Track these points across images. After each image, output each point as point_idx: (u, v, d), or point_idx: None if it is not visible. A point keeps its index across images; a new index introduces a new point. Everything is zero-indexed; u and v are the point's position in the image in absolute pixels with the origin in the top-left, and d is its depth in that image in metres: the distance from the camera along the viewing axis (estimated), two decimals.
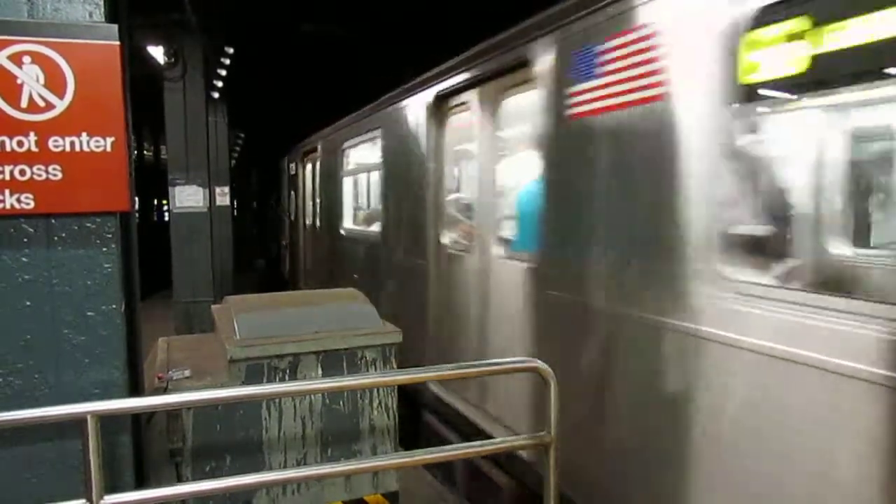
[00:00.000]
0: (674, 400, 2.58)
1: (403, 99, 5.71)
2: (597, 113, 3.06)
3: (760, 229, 2.64)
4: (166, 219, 11.18)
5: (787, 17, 2.33)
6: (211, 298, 9.04)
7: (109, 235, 2.30)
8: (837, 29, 2.26)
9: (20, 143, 2.15)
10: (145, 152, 22.80)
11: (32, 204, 2.18)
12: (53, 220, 2.24)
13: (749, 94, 2.42)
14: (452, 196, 5.10)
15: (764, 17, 2.25)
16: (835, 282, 2.77)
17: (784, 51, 2.34)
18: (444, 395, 4.83)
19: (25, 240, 2.21)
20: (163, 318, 9.84)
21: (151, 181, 19.16)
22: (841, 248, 3.07)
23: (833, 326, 2.00)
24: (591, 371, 3.09)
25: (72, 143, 2.20)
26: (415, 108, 5.39)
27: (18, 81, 2.14)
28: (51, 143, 2.18)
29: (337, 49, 11.88)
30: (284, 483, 3.13)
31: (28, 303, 2.22)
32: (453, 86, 4.68)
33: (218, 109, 11.97)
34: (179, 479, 2.97)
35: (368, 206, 7.98)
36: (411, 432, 5.03)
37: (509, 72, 3.99)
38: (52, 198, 2.20)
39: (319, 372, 3.22)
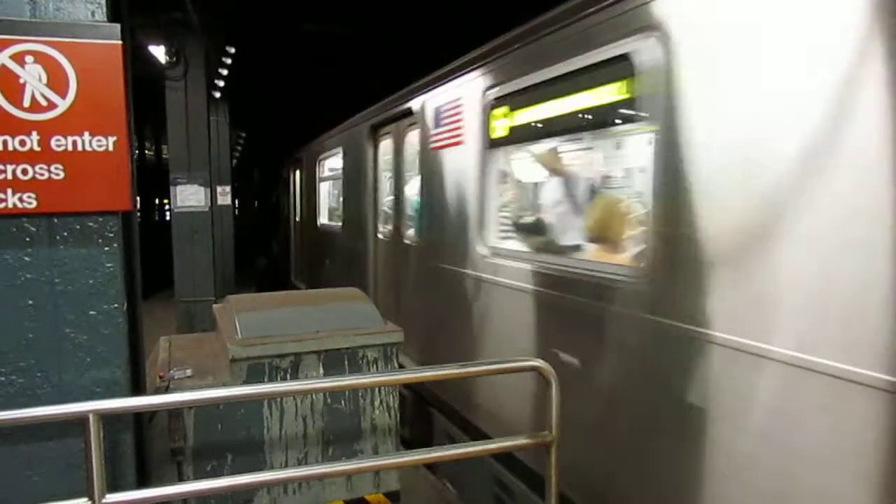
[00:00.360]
0: (468, 311, 4.46)
1: (356, 125, 7.61)
2: (441, 147, 4.91)
3: (502, 217, 4.34)
4: (168, 218, 11.21)
5: (501, 106, 4.03)
6: (212, 298, 9.05)
7: (111, 235, 2.30)
8: (516, 114, 3.92)
9: (22, 143, 2.15)
10: (147, 152, 22.82)
11: (35, 203, 2.18)
12: (56, 220, 2.24)
13: (493, 144, 4.16)
14: (385, 198, 6.80)
15: (494, 105, 4.09)
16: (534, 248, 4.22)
17: (501, 123, 4.06)
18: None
19: (28, 239, 2.22)
20: (164, 317, 9.85)
21: (153, 180, 19.18)
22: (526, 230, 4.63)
23: (523, 266, 3.76)
24: (439, 301, 5.07)
25: (74, 143, 2.21)
26: (361, 132, 7.23)
27: (21, 81, 2.14)
28: (53, 143, 2.18)
29: (337, 48, 11.89)
30: (286, 482, 3.13)
31: (30, 302, 2.23)
32: (380, 120, 6.64)
33: (219, 109, 12.00)
34: (181, 478, 2.97)
35: (335, 205, 9.63)
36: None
37: (404, 116, 5.86)
38: (54, 197, 2.20)
39: (321, 371, 3.22)
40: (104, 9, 2.26)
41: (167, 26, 8.98)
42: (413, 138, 5.60)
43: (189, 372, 3.15)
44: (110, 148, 2.25)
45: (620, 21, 2.84)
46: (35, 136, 2.17)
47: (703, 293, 2.41)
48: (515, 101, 3.87)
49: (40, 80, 2.16)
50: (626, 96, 2.93)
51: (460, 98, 4.51)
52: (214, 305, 3.95)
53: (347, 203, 8.08)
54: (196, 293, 9.41)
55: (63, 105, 2.19)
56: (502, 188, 4.37)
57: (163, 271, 10.80)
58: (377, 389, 3.35)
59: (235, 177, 14.69)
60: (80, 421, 2.01)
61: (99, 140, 2.23)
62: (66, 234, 2.25)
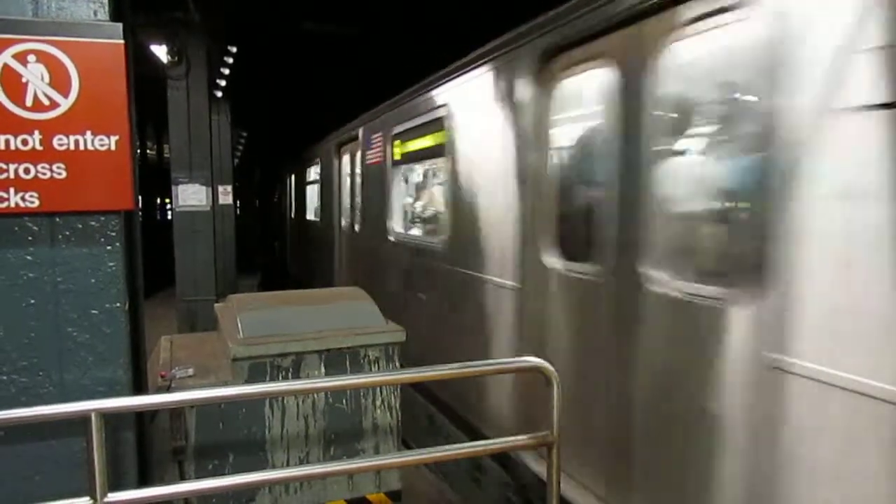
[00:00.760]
0: (384, 267, 6.47)
1: (329, 142, 9.77)
2: (371, 164, 7.09)
3: (404, 209, 6.49)
4: (169, 217, 11.22)
5: (397, 139, 6.20)
6: (214, 297, 9.05)
7: (113, 234, 2.30)
8: (404, 145, 6.16)
9: (25, 142, 2.15)
10: (148, 151, 22.84)
11: (37, 202, 2.18)
12: (58, 219, 2.24)
13: (395, 163, 6.33)
14: (345, 199, 8.81)
15: (394, 138, 6.23)
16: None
17: (398, 150, 6.29)
18: None
19: (30, 238, 2.22)
20: (166, 316, 9.85)
21: (155, 180, 19.19)
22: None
23: (405, 241, 6.07)
24: (373, 263, 6.96)
25: (76, 142, 2.21)
26: (331, 148, 9.49)
27: (23, 80, 2.14)
28: (55, 142, 2.19)
29: (338, 48, 11.89)
30: (287, 481, 3.13)
31: (32, 301, 2.23)
32: (341, 140, 8.88)
33: (221, 108, 11.98)
34: (182, 478, 2.98)
35: (317, 204, 11.51)
36: None
37: (353, 140, 8.04)
38: (56, 196, 2.20)
39: (322, 371, 3.22)
40: (106, 8, 2.26)
41: (169, 26, 8.99)
42: (357, 156, 7.82)
43: (191, 371, 3.15)
44: (112, 147, 2.25)
45: (437, 98, 5.05)
46: (37, 135, 2.17)
47: (469, 253, 4.36)
48: (402, 137, 6.14)
49: (42, 79, 2.16)
50: (441, 140, 4.94)
51: (376, 133, 6.87)
52: (216, 305, 3.95)
53: (322, 202, 10.53)
54: (197, 292, 9.40)
55: (65, 104, 2.19)
56: (399, 192, 6.50)
57: (164, 270, 10.80)
58: (378, 389, 3.35)
59: (237, 176, 14.68)
60: (82, 420, 2.01)
61: (101, 139, 2.23)
62: (68, 233, 2.25)
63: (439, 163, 5.31)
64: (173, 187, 9.51)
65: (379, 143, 6.67)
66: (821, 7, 1.97)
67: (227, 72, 11.13)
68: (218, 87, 11.24)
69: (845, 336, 1.86)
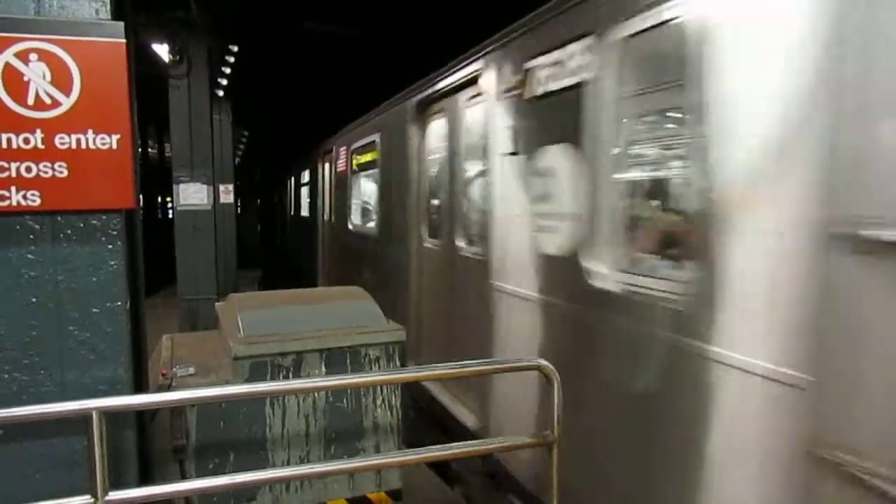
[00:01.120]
0: (348, 250, 8.99)
1: (316, 151, 12.20)
2: (340, 171, 9.44)
3: (358, 206, 8.75)
4: (170, 216, 11.24)
5: (354, 154, 8.60)
6: (215, 296, 9.05)
7: (115, 233, 2.31)
8: (358, 158, 8.41)
9: (26, 141, 2.16)
10: (150, 150, 22.85)
11: (38, 201, 2.19)
12: (59, 218, 2.25)
13: (353, 172, 8.64)
14: (326, 199, 10.91)
15: (353, 152, 8.64)
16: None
17: (355, 160, 8.55)
18: None
19: (31, 237, 2.22)
20: (167, 315, 9.86)
21: (156, 179, 19.20)
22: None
23: (359, 230, 8.46)
24: (341, 247, 9.55)
25: (78, 141, 2.21)
26: (317, 156, 11.99)
27: (25, 79, 2.15)
28: (57, 141, 2.19)
29: (339, 47, 11.89)
30: (288, 480, 3.14)
31: (33, 299, 2.23)
32: (323, 151, 11.17)
33: (222, 107, 11.98)
34: (183, 476, 2.98)
35: (308, 202, 13.81)
36: None
37: (329, 152, 10.35)
38: (57, 195, 2.21)
39: (323, 370, 3.22)
40: (108, 7, 2.27)
41: (170, 25, 8.99)
42: (333, 164, 10.06)
43: (191, 370, 3.15)
44: (114, 146, 2.25)
45: (374, 125, 7.25)
46: (39, 133, 2.17)
47: (389, 235, 6.55)
48: (357, 152, 8.29)
49: (44, 77, 2.16)
50: (375, 156, 7.14)
51: (343, 147, 9.12)
52: (217, 303, 3.95)
53: (311, 201, 12.91)
54: (198, 291, 9.41)
55: (67, 103, 2.19)
56: (356, 193, 8.58)
57: (166, 269, 10.81)
58: (379, 388, 3.35)
59: (238, 175, 14.69)
60: (83, 418, 2.02)
61: (102, 138, 2.24)
62: (69, 231, 2.26)
63: (374, 173, 7.51)
64: (174, 186, 9.51)
65: (345, 155, 9.11)
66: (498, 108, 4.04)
67: (228, 71, 11.13)
68: (219, 86, 11.25)
69: (511, 272, 3.87)
